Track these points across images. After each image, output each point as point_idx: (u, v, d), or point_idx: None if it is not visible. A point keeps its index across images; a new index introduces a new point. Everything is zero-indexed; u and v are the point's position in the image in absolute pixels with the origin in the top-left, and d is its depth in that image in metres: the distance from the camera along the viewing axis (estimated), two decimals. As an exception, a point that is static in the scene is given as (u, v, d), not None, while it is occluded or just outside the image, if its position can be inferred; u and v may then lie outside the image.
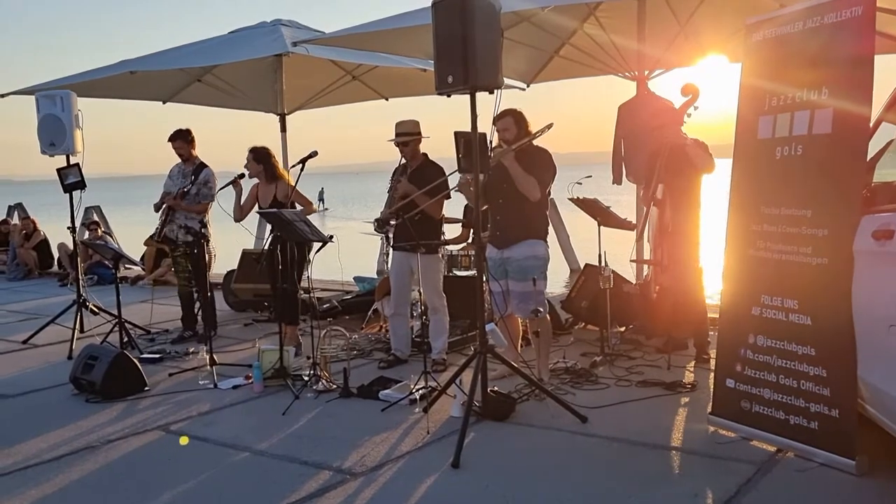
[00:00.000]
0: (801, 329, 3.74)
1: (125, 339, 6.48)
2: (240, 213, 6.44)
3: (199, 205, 6.81)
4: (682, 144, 5.28)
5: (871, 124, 3.68)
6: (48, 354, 6.68)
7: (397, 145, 5.70)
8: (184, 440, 4.47)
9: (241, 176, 6.32)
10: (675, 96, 5.59)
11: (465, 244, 7.68)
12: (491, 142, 4.85)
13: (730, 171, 4.29)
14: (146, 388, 5.40)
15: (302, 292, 6.49)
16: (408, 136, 5.66)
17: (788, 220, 3.83)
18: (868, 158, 3.76)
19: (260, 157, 6.35)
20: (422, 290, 5.80)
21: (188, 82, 9.38)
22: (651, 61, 7.01)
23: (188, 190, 6.71)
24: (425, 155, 5.77)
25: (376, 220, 5.79)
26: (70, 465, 4.12)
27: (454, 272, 7.37)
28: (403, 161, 5.77)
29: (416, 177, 5.63)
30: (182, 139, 6.87)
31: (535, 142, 5.05)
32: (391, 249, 5.97)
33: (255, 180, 6.46)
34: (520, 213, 5.02)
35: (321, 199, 43.16)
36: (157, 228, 6.89)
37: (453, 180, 5.34)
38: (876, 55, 3.55)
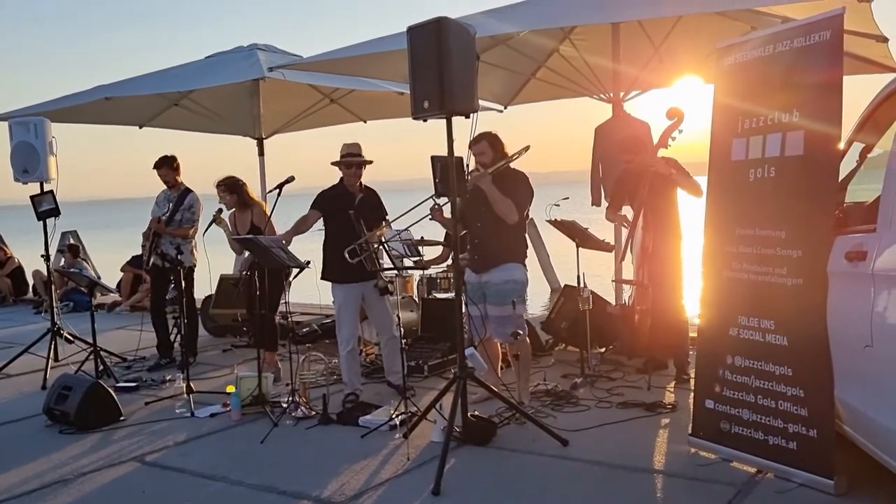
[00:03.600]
0: (777, 349, 3.76)
1: (100, 368, 6.39)
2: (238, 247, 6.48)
3: (182, 229, 6.78)
4: (667, 174, 5.34)
5: (842, 145, 3.73)
6: (21, 384, 6.57)
7: (350, 166, 5.45)
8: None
9: (220, 211, 6.29)
10: (652, 117, 5.65)
11: (445, 266, 7.67)
12: (468, 166, 4.86)
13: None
14: (122, 418, 5.31)
15: (279, 318, 6.47)
16: (360, 157, 5.48)
17: (763, 242, 3.86)
18: (840, 179, 3.81)
19: (232, 188, 6.37)
20: (376, 319, 5.68)
21: (165, 107, 9.34)
22: (626, 83, 7.07)
23: (172, 216, 6.69)
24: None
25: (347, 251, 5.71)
26: (42, 499, 4.03)
27: (433, 294, 7.37)
28: (342, 186, 5.50)
29: (365, 206, 5.47)
30: (167, 166, 6.88)
31: (512, 164, 5.06)
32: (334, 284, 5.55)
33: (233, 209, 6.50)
34: (498, 237, 5.01)
35: None
36: (144, 256, 6.87)
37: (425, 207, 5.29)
38: (845, 76, 3.61)
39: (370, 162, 5.57)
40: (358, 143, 5.58)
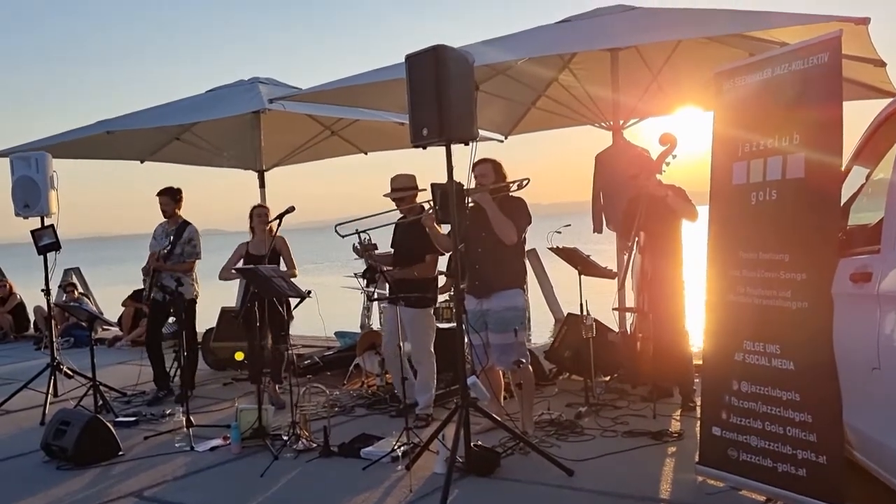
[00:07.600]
0: (784, 374, 3.69)
1: (99, 403, 6.33)
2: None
3: (185, 264, 6.76)
4: (662, 196, 5.32)
5: (843, 168, 3.71)
6: (20, 420, 6.50)
7: (393, 200, 5.63)
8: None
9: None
10: (652, 145, 5.66)
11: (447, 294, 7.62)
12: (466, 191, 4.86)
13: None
14: (120, 453, 5.24)
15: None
16: (402, 191, 5.61)
17: (767, 265, 3.82)
18: (842, 202, 3.78)
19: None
20: (409, 344, 5.72)
21: (166, 141, 9.39)
22: (626, 111, 7.09)
23: (172, 250, 6.66)
24: (422, 208, 5.63)
25: (364, 271, 5.79)
26: (38, 536, 3.97)
27: (437, 324, 7.31)
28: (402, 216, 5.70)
29: (409, 230, 5.60)
30: (169, 196, 6.91)
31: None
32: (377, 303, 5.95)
33: (245, 239, 6.64)
34: (499, 262, 5.00)
35: None
36: (144, 291, 6.83)
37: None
38: (844, 101, 3.59)
39: (412, 192, 5.63)
40: (406, 176, 5.64)
